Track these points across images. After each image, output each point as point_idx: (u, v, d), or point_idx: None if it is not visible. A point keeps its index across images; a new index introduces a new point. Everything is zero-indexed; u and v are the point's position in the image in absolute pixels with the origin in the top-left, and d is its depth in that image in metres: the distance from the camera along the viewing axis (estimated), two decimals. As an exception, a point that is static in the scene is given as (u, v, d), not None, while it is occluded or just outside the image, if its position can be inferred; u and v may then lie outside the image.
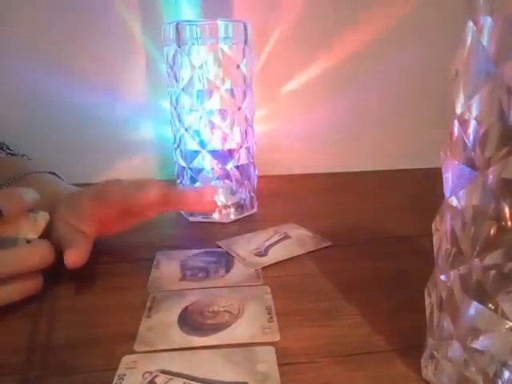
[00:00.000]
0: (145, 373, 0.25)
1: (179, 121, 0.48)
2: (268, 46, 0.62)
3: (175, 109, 0.49)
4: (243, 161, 0.50)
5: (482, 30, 0.18)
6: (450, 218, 0.21)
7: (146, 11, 0.58)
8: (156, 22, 0.56)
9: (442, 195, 0.22)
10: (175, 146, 0.51)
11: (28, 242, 0.32)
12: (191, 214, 0.50)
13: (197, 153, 0.49)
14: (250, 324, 0.30)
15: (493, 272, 0.19)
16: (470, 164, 0.19)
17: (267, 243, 0.43)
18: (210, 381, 0.25)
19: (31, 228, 0.32)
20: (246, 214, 0.51)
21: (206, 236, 0.46)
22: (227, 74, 0.46)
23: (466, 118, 0.19)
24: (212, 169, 0.49)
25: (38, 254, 0.31)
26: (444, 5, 0.57)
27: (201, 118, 0.47)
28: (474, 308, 0.20)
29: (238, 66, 0.46)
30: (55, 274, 0.34)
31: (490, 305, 0.19)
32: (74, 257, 0.33)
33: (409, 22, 0.63)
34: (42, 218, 0.33)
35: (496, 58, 0.17)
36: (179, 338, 0.29)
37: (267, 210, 0.53)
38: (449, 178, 0.21)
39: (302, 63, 0.64)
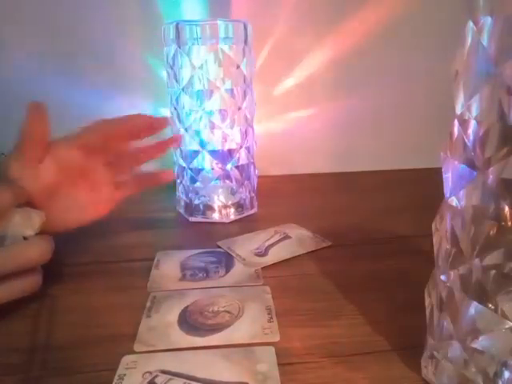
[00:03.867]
0: (145, 373, 0.25)
1: (179, 121, 0.48)
2: (268, 45, 0.62)
3: (175, 109, 0.49)
4: (243, 161, 0.50)
5: (481, 30, 0.18)
6: (449, 218, 0.21)
7: (146, 11, 0.58)
8: (156, 22, 0.56)
9: (442, 195, 0.22)
10: (175, 145, 0.51)
11: (25, 238, 0.32)
12: (191, 214, 0.50)
13: (197, 153, 0.49)
14: (250, 324, 0.30)
15: (493, 272, 0.19)
16: (470, 164, 0.19)
17: (267, 243, 0.43)
18: (210, 381, 0.25)
19: (27, 225, 0.32)
20: (246, 214, 0.51)
21: (206, 236, 0.46)
22: (227, 74, 0.46)
23: (466, 118, 0.19)
24: (212, 169, 0.49)
25: (36, 250, 0.31)
26: (444, 5, 0.57)
27: (201, 118, 0.47)
28: (473, 308, 0.20)
29: (238, 66, 0.46)
30: (55, 273, 0.34)
31: (490, 305, 0.19)
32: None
33: (409, 22, 0.63)
34: (37, 216, 0.33)
35: (496, 58, 0.17)
36: (179, 337, 0.29)
37: (267, 210, 0.53)
38: (449, 177, 0.21)
39: (301, 63, 0.64)
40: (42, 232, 0.33)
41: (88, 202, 0.40)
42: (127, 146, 0.44)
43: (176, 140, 0.48)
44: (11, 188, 0.32)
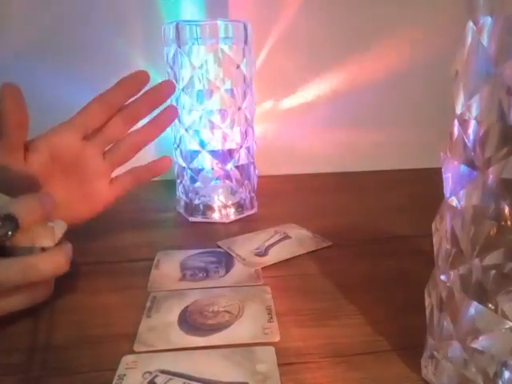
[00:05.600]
0: (145, 373, 0.25)
1: (179, 121, 0.48)
2: (268, 45, 0.62)
3: (175, 109, 0.49)
4: (243, 161, 0.50)
5: (481, 30, 0.18)
6: (449, 218, 0.21)
7: (146, 11, 0.58)
8: (156, 22, 0.56)
9: (442, 195, 0.22)
10: (175, 146, 0.51)
11: (44, 249, 0.31)
12: (191, 214, 0.50)
13: (197, 153, 0.49)
14: (250, 324, 0.30)
15: (493, 272, 0.19)
16: (470, 164, 0.19)
17: (267, 243, 0.43)
18: (210, 381, 0.25)
19: (48, 236, 0.31)
20: (246, 213, 0.51)
21: (206, 236, 0.46)
22: (227, 74, 0.46)
23: (466, 118, 0.19)
24: (212, 169, 0.49)
25: (49, 265, 0.30)
26: (444, 5, 0.57)
27: (201, 118, 0.47)
28: (473, 308, 0.20)
29: (238, 66, 0.46)
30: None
31: (490, 305, 0.19)
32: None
33: (409, 22, 0.63)
34: (60, 227, 0.32)
35: (496, 58, 0.17)
36: (179, 337, 0.29)
37: (267, 210, 0.53)
38: (449, 178, 0.21)
39: (301, 63, 0.64)
40: None
41: (79, 197, 0.38)
42: (126, 129, 0.40)
43: (171, 111, 0.43)
44: (42, 200, 0.31)
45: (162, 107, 0.42)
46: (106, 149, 0.40)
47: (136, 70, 0.40)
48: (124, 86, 0.40)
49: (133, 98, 0.40)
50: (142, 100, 0.40)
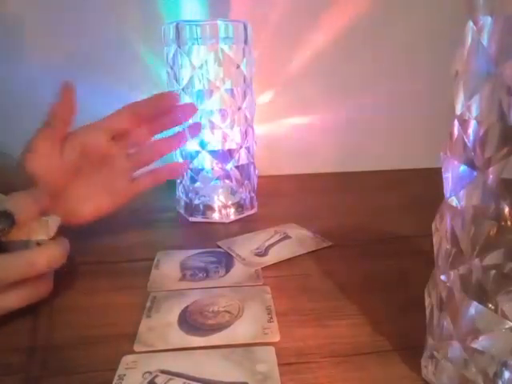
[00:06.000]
0: (145, 373, 0.25)
1: (179, 121, 0.48)
2: (268, 45, 0.62)
3: (175, 109, 0.49)
4: (243, 161, 0.50)
5: (481, 30, 0.18)
6: (449, 218, 0.21)
7: (146, 11, 0.58)
8: (156, 22, 0.56)
9: (442, 195, 0.22)
10: (175, 145, 0.51)
11: (39, 244, 0.31)
12: (191, 214, 0.50)
13: (197, 153, 0.49)
14: (250, 324, 0.30)
15: (493, 272, 0.19)
16: (470, 164, 0.19)
17: (267, 243, 0.43)
18: (210, 381, 0.25)
19: (43, 231, 0.32)
20: (246, 213, 0.51)
21: (205, 236, 0.46)
22: (227, 74, 0.46)
23: (466, 118, 0.19)
24: (212, 169, 0.49)
25: (44, 258, 0.30)
26: (444, 5, 0.57)
27: (201, 118, 0.47)
28: (474, 308, 0.20)
29: (238, 66, 0.46)
30: (55, 273, 0.34)
31: (490, 305, 0.19)
32: None
33: (409, 22, 0.63)
34: (54, 222, 0.33)
35: (496, 58, 0.17)
36: (179, 338, 0.29)
37: (267, 210, 0.53)
38: (449, 178, 0.21)
39: (301, 63, 0.64)
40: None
41: (101, 191, 0.41)
42: (150, 137, 0.45)
43: (196, 128, 0.47)
44: (36, 196, 0.33)
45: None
46: (131, 151, 0.44)
47: (170, 91, 0.47)
48: (156, 102, 0.44)
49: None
50: (168, 116, 0.45)
